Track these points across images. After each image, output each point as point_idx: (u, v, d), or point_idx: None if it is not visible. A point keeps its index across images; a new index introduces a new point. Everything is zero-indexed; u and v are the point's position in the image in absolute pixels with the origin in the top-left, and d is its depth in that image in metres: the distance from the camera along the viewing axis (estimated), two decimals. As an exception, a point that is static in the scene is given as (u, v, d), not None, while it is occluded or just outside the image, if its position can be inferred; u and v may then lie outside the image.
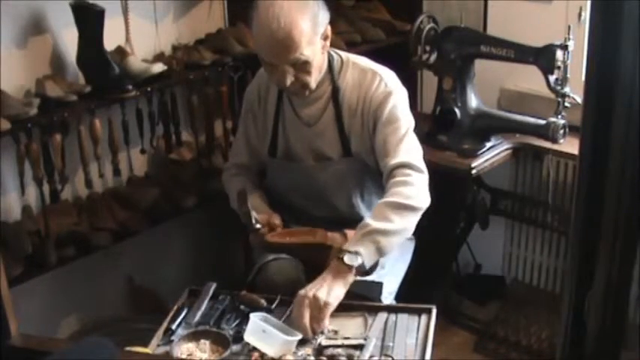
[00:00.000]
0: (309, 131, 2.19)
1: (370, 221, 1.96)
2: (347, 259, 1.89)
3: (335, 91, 2.15)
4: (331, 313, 1.91)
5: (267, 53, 2.02)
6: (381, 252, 1.95)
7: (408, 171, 2.04)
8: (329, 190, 2.20)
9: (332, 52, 2.18)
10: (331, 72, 2.15)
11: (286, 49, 1.97)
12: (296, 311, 1.88)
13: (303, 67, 2.02)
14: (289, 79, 2.02)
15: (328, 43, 2.10)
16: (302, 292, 1.89)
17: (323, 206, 2.22)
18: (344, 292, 1.91)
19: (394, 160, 2.05)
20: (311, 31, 1.98)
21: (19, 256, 2.29)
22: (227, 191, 2.32)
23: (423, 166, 2.09)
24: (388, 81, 2.13)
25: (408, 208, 1.99)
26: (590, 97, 1.11)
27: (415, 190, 2.02)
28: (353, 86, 2.14)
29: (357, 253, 1.90)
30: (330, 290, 1.88)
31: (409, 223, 2.01)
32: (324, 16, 2.04)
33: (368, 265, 1.94)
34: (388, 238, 1.95)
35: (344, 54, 2.21)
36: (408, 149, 2.08)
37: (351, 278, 1.92)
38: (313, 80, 2.07)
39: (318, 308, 1.85)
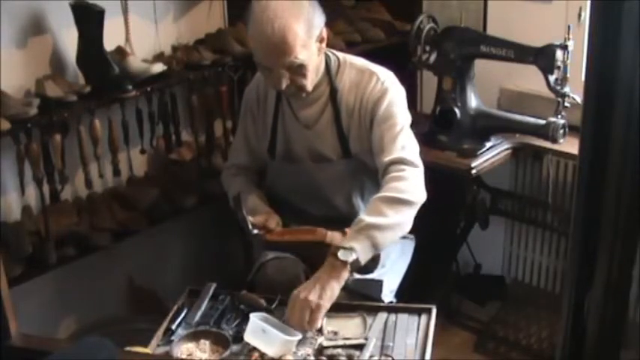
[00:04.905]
0: (308, 133, 2.19)
1: (364, 217, 1.95)
2: (341, 254, 1.88)
3: (333, 92, 2.15)
4: (331, 313, 1.91)
5: (263, 57, 2.03)
6: (376, 247, 1.93)
7: (402, 166, 2.04)
8: (329, 190, 2.20)
9: (329, 54, 2.18)
10: (329, 73, 2.15)
11: (281, 53, 1.97)
12: (288, 311, 1.88)
13: (299, 70, 2.02)
14: (285, 82, 2.03)
15: (324, 45, 2.10)
16: (295, 292, 1.89)
17: (323, 206, 2.22)
18: (338, 290, 1.89)
19: (389, 157, 2.06)
20: (305, 35, 1.99)
21: (19, 256, 2.30)
22: (226, 191, 2.33)
23: (417, 160, 2.08)
24: (385, 80, 2.14)
25: (403, 203, 1.98)
26: (590, 97, 1.11)
27: (409, 185, 2.01)
28: (350, 87, 2.14)
29: (351, 249, 1.88)
30: (323, 291, 1.86)
31: (404, 217, 1.99)
32: (319, 19, 2.04)
33: (363, 260, 1.92)
34: (383, 233, 1.93)
35: (341, 55, 2.21)
36: (403, 145, 2.08)
37: (346, 275, 1.90)
38: (309, 82, 2.07)
39: (309, 310, 1.85)
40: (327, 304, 1.87)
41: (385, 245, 1.98)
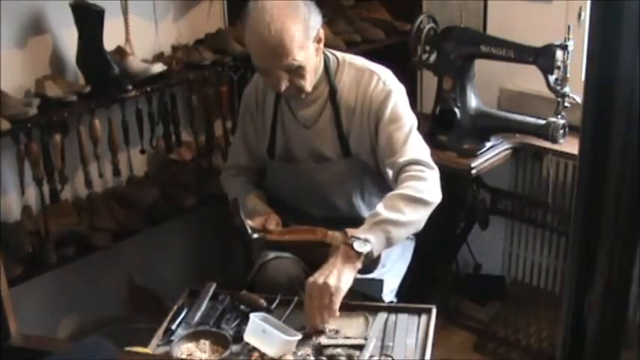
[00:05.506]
0: (308, 133, 2.19)
1: (382, 210, 1.94)
2: (357, 245, 1.87)
3: (332, 92, 2.15)
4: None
5: (260, 60, 2.03)
6: (390, 242, 1.94)
7: (420, 167, 2.04)
8: (329, 190, 2.20)
9: (327, 53, 2.18)
10: (328, 73, 2.15)
11: (279, 56, 1.97)
12: (306, 299, 1.86)
13: (297, 71, 2.02)
14: (284, 84, 2.03)
15: (322, 45, 2.10)
16: (311, 279, 1.87)
17: (323, 206, 2.22)
18: (352, 277, 1.89)
19: (404, 158, 2.05)
20: (302, 36, 1.99)
21: (19, 256, 2.30)
22: (226, 191, 2.33)
23: (433, 163, 2.09)
24: (386, 79, 2.13)
25: (420, 202, 1.98)
26: (590, 97, 1.11)
27: (428, 185, 2.02)
28: (350, 86, 2.14)
29: (367, 241, 1.89)
30: (341, 276, 1.85)
31: (420, 216, 2.00)
32: (315, 19, 2.04)
33: (376, 253, 1.92)
34: (398, 229, 1.94)
35: (340, 54, 2.21)
36: (417, 147, 2.09)
37: (359, 265, 1.90)
38: (308, 83, 2.07)
39: (329, 295, 1.83)
40: (345, 288, 1.86)
41: (398, 241, 1.99)
